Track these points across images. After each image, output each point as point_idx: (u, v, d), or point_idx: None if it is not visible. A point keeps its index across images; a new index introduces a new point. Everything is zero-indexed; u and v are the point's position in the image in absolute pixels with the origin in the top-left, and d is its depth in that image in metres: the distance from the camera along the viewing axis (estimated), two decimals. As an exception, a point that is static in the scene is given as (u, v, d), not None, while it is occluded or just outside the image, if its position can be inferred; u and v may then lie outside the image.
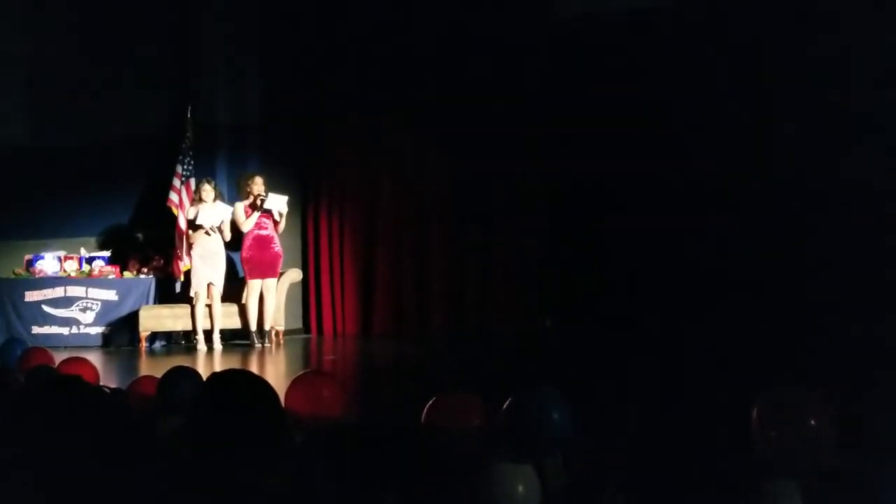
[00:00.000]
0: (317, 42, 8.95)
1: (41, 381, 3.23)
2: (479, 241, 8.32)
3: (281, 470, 1.84)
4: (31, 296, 8.38)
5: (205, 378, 2.88)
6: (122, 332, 8.26)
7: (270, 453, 1.78)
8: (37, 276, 8.50)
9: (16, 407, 2.39)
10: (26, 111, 9.54)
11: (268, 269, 8.10)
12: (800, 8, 6.51)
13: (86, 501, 1.83)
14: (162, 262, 8.55)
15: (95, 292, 8.36)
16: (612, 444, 2.80)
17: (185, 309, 8.01)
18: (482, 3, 8.12)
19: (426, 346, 8.05)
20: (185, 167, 8.37)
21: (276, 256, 8.16)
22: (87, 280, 8.41)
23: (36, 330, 8.29)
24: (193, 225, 8.00)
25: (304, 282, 9.10)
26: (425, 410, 2.86)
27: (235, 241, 8.23)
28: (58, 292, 8.38)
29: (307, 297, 9.22)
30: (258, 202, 8.03)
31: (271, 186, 8.20)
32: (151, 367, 6.13)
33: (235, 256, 8.37)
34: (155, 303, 8.30)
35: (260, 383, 1.89)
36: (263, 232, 8.10)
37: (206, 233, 7.96)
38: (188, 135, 8.43)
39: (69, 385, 2.25)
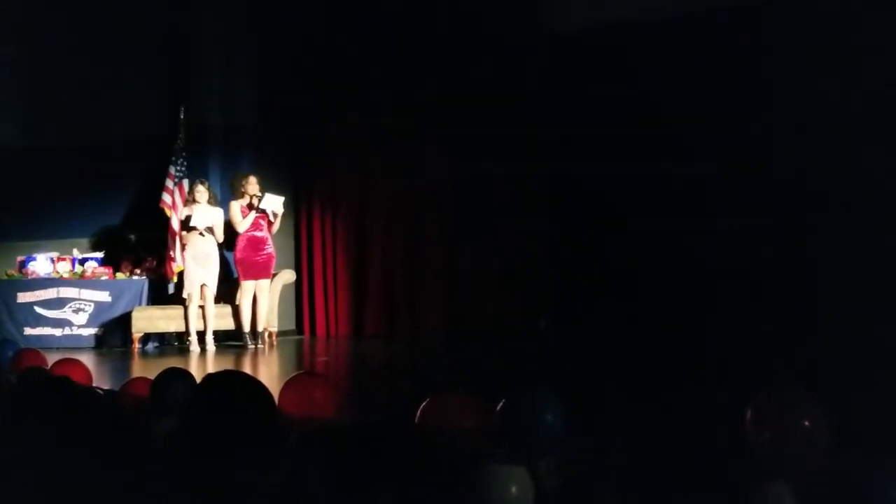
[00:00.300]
0: (310, 43, 8.95)
1: (34, 383, 3.22)
2: (471, 242, 8.32)
3: (275, 470, 1.84)
4: (24, 297, 8.36)
5: (198, 379, 2.88)
6: (114, 334, 8.24)
7: (265, 453, 1.78)
8: (29, 278, 8.48)
9: (9, 408, 2.38)
10: (18, 112, 9.52)
11: (261, 270, 8.10)
12: (797, 12, 6.54)
13: (80, 501, 1.83)
14: (155, 263, 8.53)
15: (88, 293, 8.34)
16: (607, 445, 2.80)
17: (178, 310, 8.00)
18: (479, 4, 8.12)
19: (419, 347, 8.04)
20: (178, 168, 8.36)
21: (269, 258, 8.16)
22: (80, 281, 8.39)
23: (28, 331, 8.26)
24: (187, 226, 7.99)
25: (297, 283, 9.09)
26: (419, 411, 2.86)
27: (229, 242, 8.22)
28: (50, 293, 8.35)
29: (300, 298, 9.22)
30: (255, 202, 8.03)
31: (264, 187, 8.19)
32: (144, 369, 6.11)
33: (228, 257, 8.36)
34: (148, 304, 8.29)
35: (254, 384, 1.89)
36: (258, 233, 8.09)
37: (200, 234, 7.95)
38: (181, 136, 8.42)
39: (62, 386, 2.25)
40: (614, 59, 7.27)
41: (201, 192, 8.06)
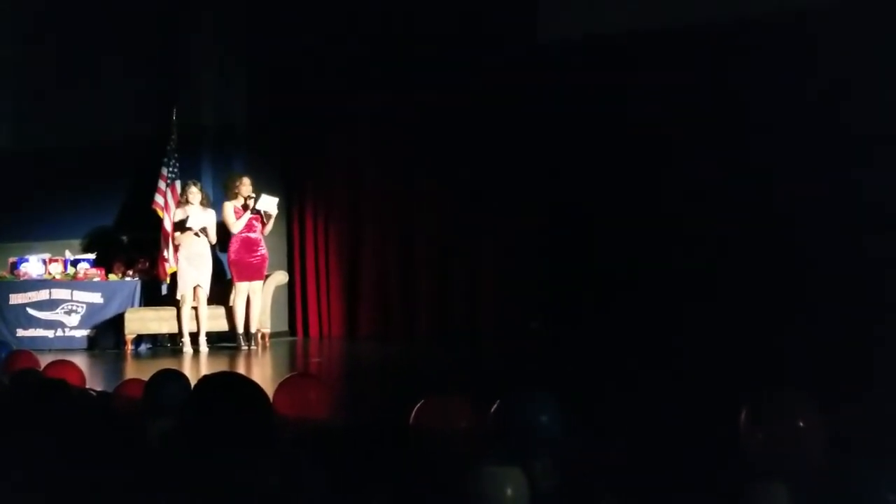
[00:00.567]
0: (303, 44, 8.94)
1: (28, 385, 3.20)
2: (465, 243, 8.32)
3: (271, 471, 1.83)
4: (16, 298, 8.32)
5: (192, 381, 2.87)
6: (107, 335, 8.20)
7: (261, 455, 1.78)
8: (21, 279, 8.44)
9: (1, 410, 2.37)
10: (10, 113, 9.49)
11: (255, 271, 8.09)
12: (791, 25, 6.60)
13: (75, 502, 1.82)
14: (147, 264, 8.51)
15: (80, 295, 8.31)
16: (603, 445, 2.80)
17: (171, 311, 7.97)
18: (471, 10, 8.13)
19: (413, 348, 8.04)
20: (171, 169, 8.34)
21: (263, 259, 8.15)
22: (72, 283, 8.36)
23: (21, 333, 8.23)
24: (181, 227, 7.96)
25: (290, 284, 9.08)
26: (413, 412, 2.86)
27: (221, 243, 8.20)
28: (42, 295, 8.32)
29: (293, 299, 9.21)
30: (250, 203, 8.01)
31: (257, 189, 8.18)
32: (137, 370, 6.10)
33: (221, 258, 8.35)
34: (140, 305, 8.26)
35: (250, 385, 1.89)
36: (252, 234, 8.08)
37: (195, 234, 7.93)
38: (173, 137, 8.40)
39: (55, 388, 2.24)
40: (608, 66, 7.31)
41: (194, 193, 8.04)
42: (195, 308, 7.92)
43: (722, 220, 6.77)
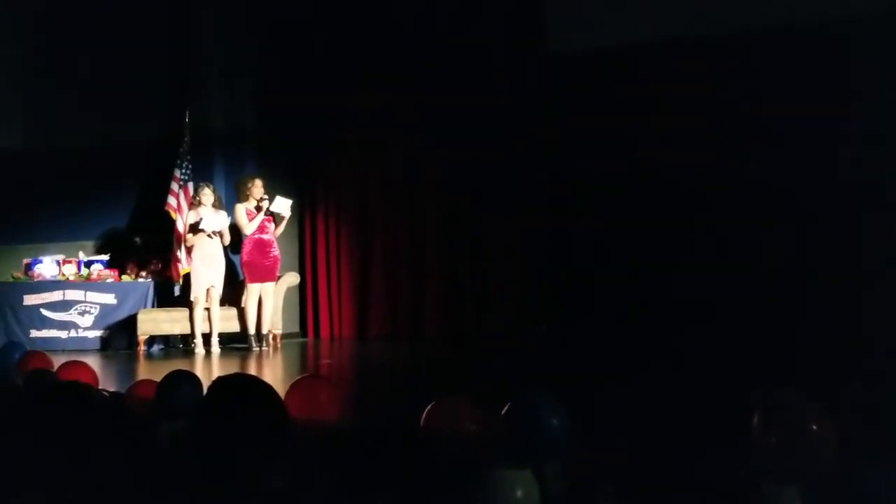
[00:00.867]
0: (314, 47, 8.97)
1: (40, 385, 3.23)
2: (475, 246, 8.33)
3: (283, 473, 1.84)
4: (30, 299, 8.38)
5: (205, 382, 2.89)
6: (120, 336, 8.25)
7: (274, 456, 1.79)
8: (35, 280, 8.50)
9: (15, 411, 2.39)
10: (24, 115, 9.55)
11: (268, 273, 8.11)
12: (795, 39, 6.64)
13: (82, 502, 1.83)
14: (160, 265, 8.55)
15: (94, 296, 8.36)
16: (612, 448, 2.80)
17: (183, 312, 8.01)
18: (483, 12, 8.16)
19: (422, 349, 8.05)
20: (183, 171, 8.37)
21: (275, 260, 8.18)
22: (86, 284, 8.41)
23: (34, 333, 8.28)
24: (195, 228, 8.00)
25: (302, 285, 9.10)
26: (423, 414, 2.87)
27: (234, 244, 8.23)
28: (56, 296, 8.37)
29: (304, 300, 9.23)
30: (263, 204, 8.04)
31: (269, 190, 8.21)
32: (150, 371, 6.13)
33: (234, 260, 8.38)
34: (153, 306, 8.30)
35: (264, 387, 1.90)
36: (265, 236, 8.12)
37: (209, 236, 7.96)
38: (186, 139, 8.44)
39: (68, 389, 2.25)
40: (617, 78, 7.35)
41: (207, 195, 8.08)
42: (207, 309, 7.96)
43: (729, 223, 6.80)
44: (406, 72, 8.48)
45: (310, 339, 9.13)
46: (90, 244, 9.12)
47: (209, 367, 6.84)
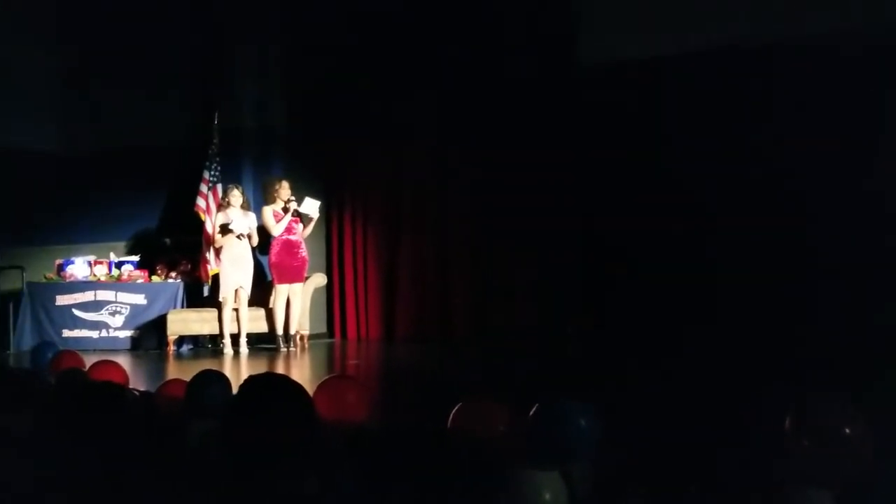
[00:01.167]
0: (341, 48, 8.99)
1: (73, 385, 3.27)
2: (502, 247, 8.29)
3: (313, 473, 1.84)
4: (62, 300, 8.50)
5: (234, 382, 2.91)
6: (150, 336, 8.33)
7: (305, 457, 1.79)
8: (67, 281, 8.62)
9: (47, 409, 2.42)
10: (56, 118, 9.69)
11: (296, 274, 8.16)
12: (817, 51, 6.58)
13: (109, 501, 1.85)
14: (189, 266, 8.62)
15: (124, 296, 8.45)
16: (640, 450, 2.78)
17: (212, 313, 8.08)
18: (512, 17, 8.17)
19: (449, 350, 8.04)
20: (212, 173, 8.44)
21: (303, 261, 8.22)
22: (117, 284, 8.51)
23: (66, 333, 8.40)
24: (224, 229, 8.06)
25: (329, 286, 9.14)
26: (451, 416, 2.86)
27: (262, 245, 8.29)
28: (88, 296, 8.48)
29: (331, 301, 9.26)
30: (290, 206, 8.09)
31: (296, 191, 8.25)
32: (179, 371, 6.19)
33: (262, 261, 8.43)
34: (183, 307, 8.37)
35: (295, 386, 1.90)
36: (293, 237, 8.16)
37: (238, 237, 8.02)
38: (215, 141, 8.50)
39: (100, 389, 2.28)
40: (645, 87, 7.34)
41: (236, 196, 8.14)
42: (236, 310, 8.02)
43: (761, 226, 6.73)
44: (435, 75, 8.49)
45: (337, 339, 9.16)
46: (121, 245, 9.23)
47: (238, 368, 6.90)
